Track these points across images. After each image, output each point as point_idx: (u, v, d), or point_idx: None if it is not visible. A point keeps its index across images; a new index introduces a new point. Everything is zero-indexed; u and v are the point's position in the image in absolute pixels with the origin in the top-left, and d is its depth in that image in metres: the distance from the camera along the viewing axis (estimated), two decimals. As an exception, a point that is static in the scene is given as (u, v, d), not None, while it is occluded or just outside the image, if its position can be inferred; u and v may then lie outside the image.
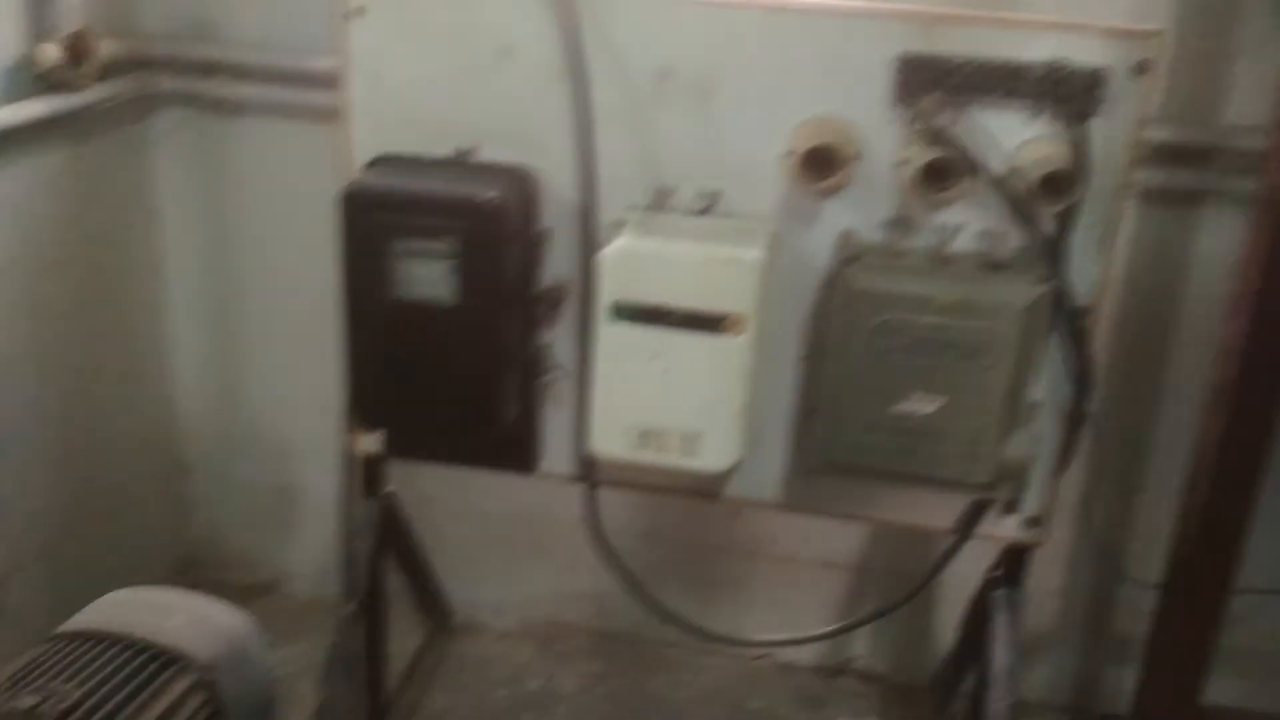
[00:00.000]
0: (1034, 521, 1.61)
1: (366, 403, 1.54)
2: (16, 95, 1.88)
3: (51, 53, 1.88)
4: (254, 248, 2.31)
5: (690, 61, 1.48)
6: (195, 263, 2.34)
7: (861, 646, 2.37)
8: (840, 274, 1.43)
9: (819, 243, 1.51)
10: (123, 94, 2.11)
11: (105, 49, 2.00)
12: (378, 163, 1.52)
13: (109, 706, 1.33)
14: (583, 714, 2.22)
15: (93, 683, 1.35)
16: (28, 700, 1.29)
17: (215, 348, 2.41)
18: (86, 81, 1.97)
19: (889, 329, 1.40)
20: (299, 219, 2.20)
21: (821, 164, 1.45)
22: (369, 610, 1.85)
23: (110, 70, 2.06)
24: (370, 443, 1.73)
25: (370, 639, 1.90)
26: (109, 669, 1.39)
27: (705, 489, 1.66)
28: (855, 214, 1.49)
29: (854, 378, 1.43)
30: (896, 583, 1.97)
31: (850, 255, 1.44)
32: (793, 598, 2.34)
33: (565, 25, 1.46)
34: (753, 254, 1.39)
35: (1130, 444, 2.12)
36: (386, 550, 1.94)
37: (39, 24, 1.92)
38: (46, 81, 1.92)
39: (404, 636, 2.21)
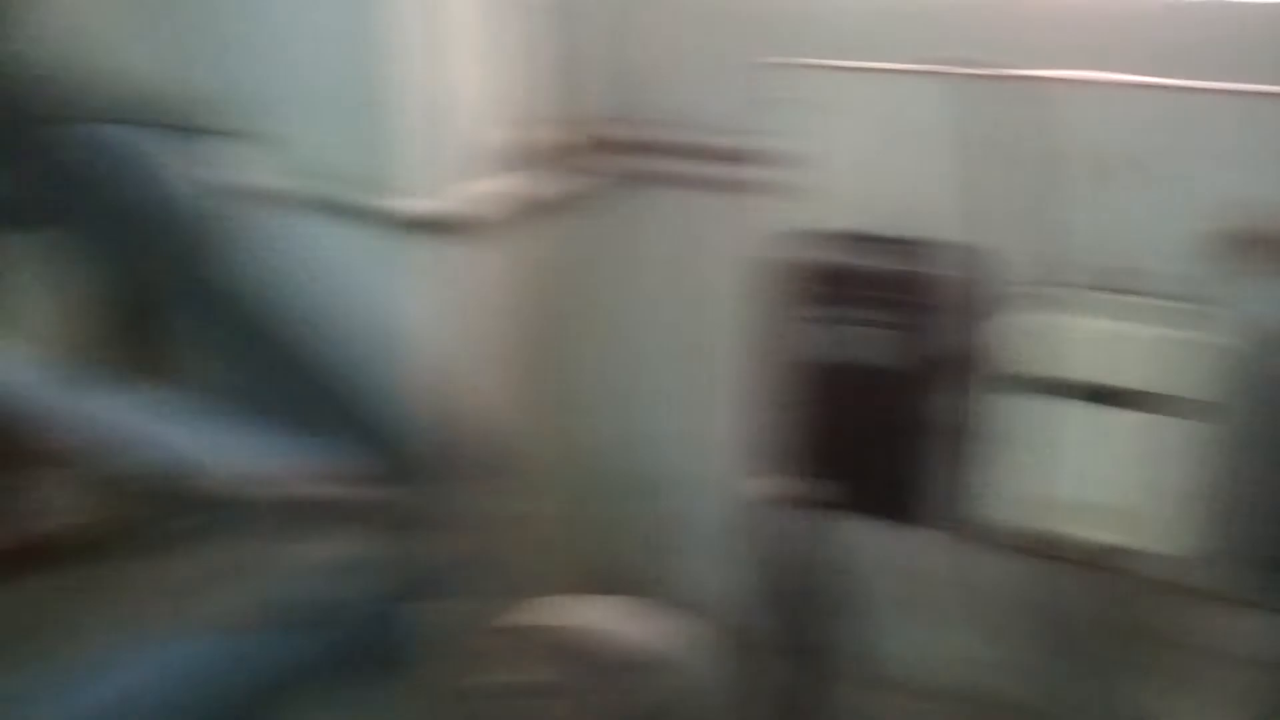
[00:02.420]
0: None
1: (791, 452, 1.62)
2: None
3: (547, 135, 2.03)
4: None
5: (1124, 143, 1.47)
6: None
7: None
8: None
9: (1248, 325, 1.44)
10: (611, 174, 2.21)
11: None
12: (818, 236, 1.61)
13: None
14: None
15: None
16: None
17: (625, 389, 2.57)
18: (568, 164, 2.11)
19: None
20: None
21: (1255, 245, 1.38)
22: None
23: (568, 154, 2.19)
24: (786, 486, 1.79)
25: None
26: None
27: (1127, 565, 1.61)
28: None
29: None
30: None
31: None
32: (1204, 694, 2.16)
33: (1006, 111, 1.48)
34: (1185, 334, 1.37)
35: None
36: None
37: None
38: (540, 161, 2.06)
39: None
